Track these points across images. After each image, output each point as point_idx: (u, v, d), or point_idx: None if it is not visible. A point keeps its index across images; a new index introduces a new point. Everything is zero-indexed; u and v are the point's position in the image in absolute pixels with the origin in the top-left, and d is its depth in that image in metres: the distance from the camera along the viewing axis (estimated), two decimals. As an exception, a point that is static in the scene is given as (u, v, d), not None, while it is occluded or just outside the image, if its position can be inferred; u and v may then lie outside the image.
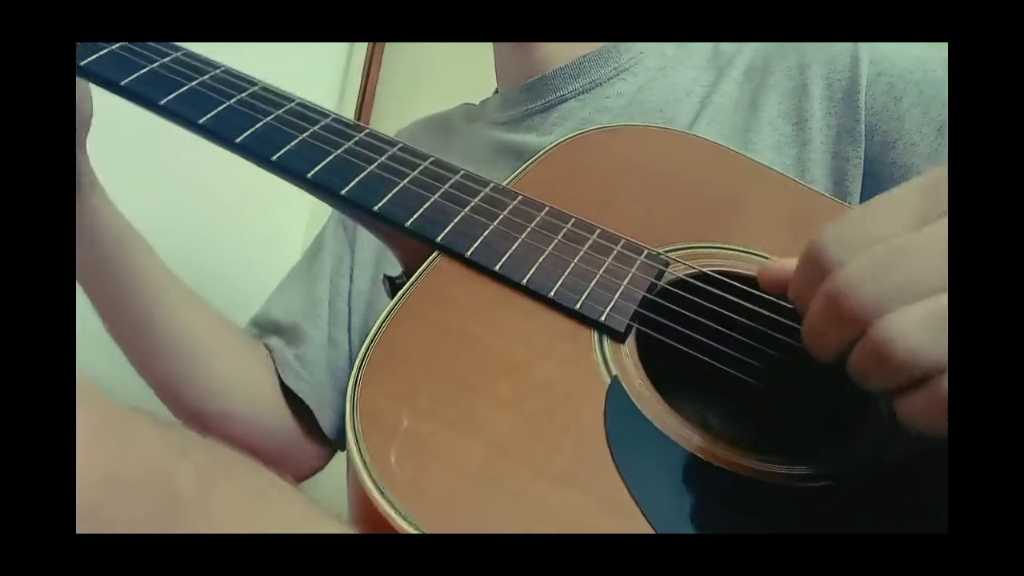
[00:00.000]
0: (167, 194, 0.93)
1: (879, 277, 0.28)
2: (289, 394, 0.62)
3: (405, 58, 1.24)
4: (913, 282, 0.27)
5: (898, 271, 0.27)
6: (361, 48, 1.23)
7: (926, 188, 0.29)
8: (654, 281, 0.40)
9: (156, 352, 0.57)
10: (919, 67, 0.51)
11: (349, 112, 1.20)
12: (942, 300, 0.27)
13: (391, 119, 1.20)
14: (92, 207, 0.52)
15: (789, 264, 0.32)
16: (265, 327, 0.66)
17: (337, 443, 0.64)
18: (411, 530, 0.29)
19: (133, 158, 0.85)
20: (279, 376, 0.62)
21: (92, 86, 0.47)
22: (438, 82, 1.16)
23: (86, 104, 0.49)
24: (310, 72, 1.16)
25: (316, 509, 0.28)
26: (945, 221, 0.28)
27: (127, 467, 0.23)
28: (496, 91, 0.70)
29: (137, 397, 0.57)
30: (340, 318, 0.65)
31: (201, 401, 0.58)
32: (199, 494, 0.24)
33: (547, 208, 0.43)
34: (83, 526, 0.22)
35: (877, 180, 0.51)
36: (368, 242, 0.67)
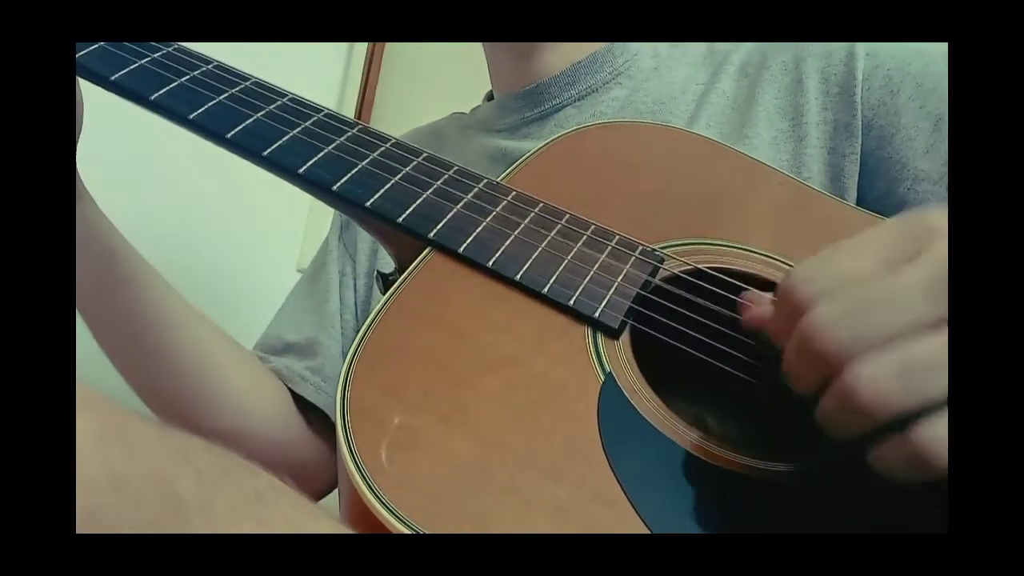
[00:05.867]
0: (159, 199, 0.93)
1: (849, 322, 0.28)
2: (306, 409, 0.61)
3: (405, 58, 1.24)
4: (884, 328, 0.27)
5: (868, 317, 0.27)
6: (361, 48, 1.23)
7: (901, 229, 0.29)
8: (649, 278, 0.40)
9: (161, 369, 0.54)
10: (917, 59, 0.50)
11: (349, 113, 1.20)
12: (912, 349, 0.27)
13: (391, 120, 1.20)
14: (83, 217, 0.49)
15: (768, 302, 0.32)
16: (274, 349, 0.64)
17: None
18: (400, 526, 0.29)
19: (121, 161, 0.85)
20: (292, 392, 0.60)
21: (83, 93, 0.46)
22: (438, 83, 1.16)
23: (79, 111, 0.47)
24: (310, 72, 1.17)
25: (316, 510, 0.28)
26: (918, 265, 0.28)
27: (132, 471, 0.23)
28: (486, 98, 0.70)
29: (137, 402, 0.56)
30: (348, 330, 0.64)
31: (213, 419, 0.56)
32: (201, 498, 0.24)
33: (541, 204, 0.43)
34: (90, 528, 0.22)
35: (874, 175, 0.50)
36: (364, 253, 0.66)
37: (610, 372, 0.36)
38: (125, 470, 0.23)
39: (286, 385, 0.61)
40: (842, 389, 0.28)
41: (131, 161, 0.87)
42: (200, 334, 0.55)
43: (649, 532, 0.30)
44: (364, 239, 0.67)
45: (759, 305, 0.33)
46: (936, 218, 0.29)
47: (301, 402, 0.61)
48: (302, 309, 0.66)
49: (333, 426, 0.60)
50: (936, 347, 0.27)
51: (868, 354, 0.27)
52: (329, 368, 0.62)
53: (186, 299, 0.56)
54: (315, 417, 0.61)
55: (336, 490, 0.63)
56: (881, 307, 0.27)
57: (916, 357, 0.27)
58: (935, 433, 0.26)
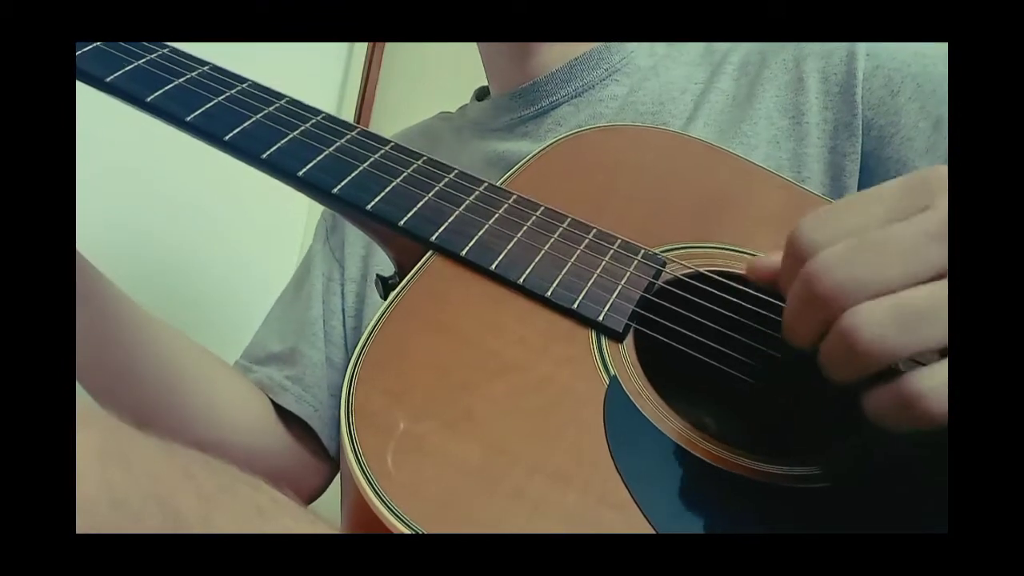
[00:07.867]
0: (155, 204, 0.92)
1: (850, 265, 0.28)
2: (287, 417, 0.60)
3: (405, 58, 1.24)
4: (883, 274, 0.28)
5: (869, 261, 0.28)
6: (361, 48, 1.23)
7: (908, 185, 0.30)
8: (651, 281, 0.40)
9: (130, 388, 0.52)
10: (917, 60, 0.50)
11: (349, 113, 1.20)
12: (911, 295, 0.27)
13: (391, 120, 1.20)
14: None
15: (776, 257, 0.33)
16: (258, 359, 0.63)
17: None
18: (407, 531, 0.29)
19: (116, 166, 0.84)
20: (273, 402, 0.60)
21: (79, 94, 0.46)
22: (438, 83, 1.16)
23: None
24: (310, 72, 1.16)
25: (319, 524, 0.28)
26: (925, 215, 0.28)
27: (133, 489, 0.23)
28: (474, 97, 0.69)
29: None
30: (335, 337, 0.63)
31: (195, 432, 0.55)
32: (202, 513, 0.24)
33: (542, 208, 0.43)
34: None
35: (874, 175, 0.50)
36: (354, 259, 0.65)
37: (614, 375, 0.36)
38: (125, 488, 0.23)
39: (267, 395, 0.60)
40: (840, 331, 0.28)
41: (127, 166, 0.87)
42: (169, 349, 0.54)
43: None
44: (353, 244, 0.66)
45: (766, 262, 0.34)
46: (946, 173, 0.29)
47: (282, 411, 0.60)
48: (285, 318, 0.66)
49: (314, 434, 0.60)
50: (936, 295, 0.27)
51: (868, 297, 0.28)
52: (309, 377, 0.61)
53: (158, 315, 0.54)
54: (296, 425, 0.61)
55: (325, 498, 0.63)
56: (884, 252, 0.28)
57: (914, 303, 0.27)
58: (928, 381, 0.27)
